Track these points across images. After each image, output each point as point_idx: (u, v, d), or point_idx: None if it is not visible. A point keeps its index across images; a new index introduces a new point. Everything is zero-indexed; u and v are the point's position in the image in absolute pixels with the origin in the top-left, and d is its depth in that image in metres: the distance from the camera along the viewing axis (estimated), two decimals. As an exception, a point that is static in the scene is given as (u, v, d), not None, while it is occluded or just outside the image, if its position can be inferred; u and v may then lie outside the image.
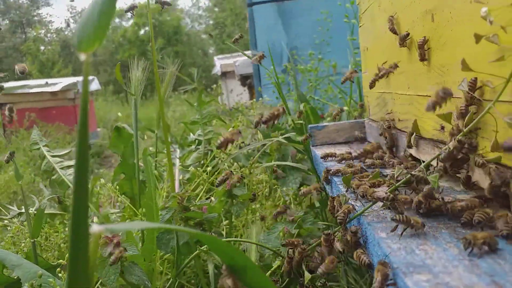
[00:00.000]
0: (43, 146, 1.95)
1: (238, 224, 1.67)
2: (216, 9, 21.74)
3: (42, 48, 17.72)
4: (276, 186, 1.66)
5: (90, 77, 5.16)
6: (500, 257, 0.54)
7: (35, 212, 1.70)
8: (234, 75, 6.31)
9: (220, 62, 8.41)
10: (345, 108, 1.71)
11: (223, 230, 1.61)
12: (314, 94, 2.62)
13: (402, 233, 0.63)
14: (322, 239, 0.74)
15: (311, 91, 2.62)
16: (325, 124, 1.57)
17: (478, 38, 0.54)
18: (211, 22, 23.26)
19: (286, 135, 1.54)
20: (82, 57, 0.37)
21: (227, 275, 0.50)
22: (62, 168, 1.88)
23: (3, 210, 1.88)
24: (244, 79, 5.45)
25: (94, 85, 8.06)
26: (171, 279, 0.96)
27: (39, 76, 13.88)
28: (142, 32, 19.52)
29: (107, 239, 1.06)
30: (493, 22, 0.51)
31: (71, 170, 1.90)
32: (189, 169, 1.86)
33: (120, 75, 1.34)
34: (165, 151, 2.27)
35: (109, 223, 1.66)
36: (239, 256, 0.48)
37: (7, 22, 19.31)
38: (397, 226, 0.64)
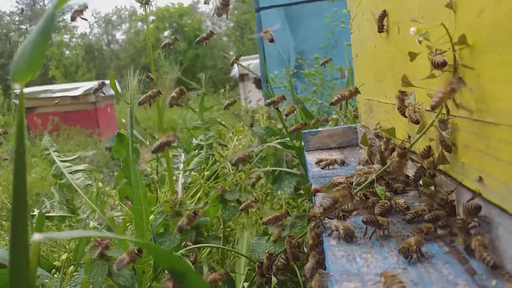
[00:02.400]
0: (53, 151, 2.03)
1: (236, 227, 1.71)
2: (236, 12, 21.86)
3: (67, 52, 18.24)
4: (270, 191, 1.70)
5: (107, 81, 5.30)
6: (433, 266, 0.56)
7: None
8: (250, 77, 6.36)
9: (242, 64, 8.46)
10: (334, 115, 1.73)
11: (221, 233, 1.66)
12: (320, 98, 2.65)
13: (371, 236, 0.66)
14: (286, 243, 0.78)
15: (317, 95, 2.64)
16: (318, 129, 1.59)
17: (412, 56, 0.57)
18: (231, 24, 23.41)
19: (279, 140, 1.57)
20: (17, 87, 0.42)
21: (169, 279, 0.54)
22: (70, 173, 1.95)
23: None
24: (258, 82, 5.49)
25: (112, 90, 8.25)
26: (148, 283, 1.00)
27: (63, 80, 14.27)
28: (165, 34, 19.83)
29: (96, 242, 1.11)
30: (422, 41, 0.53)
31: (79, 175, 1.96)
32: (191, 173, 1.91)
33: (114, 85, 1.40)
34: (171, 155, 2.33)
35: (114, 225, 1.72)
36: (179, 262, 0.53)
37: (34, 28, 19.95)
38: (366, 228, 0.67)
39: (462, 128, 0.58)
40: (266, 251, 0.82)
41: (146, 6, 1.58)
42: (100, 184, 1.68)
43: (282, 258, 0.80)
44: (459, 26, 0.56)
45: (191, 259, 1.00)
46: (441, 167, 0.67)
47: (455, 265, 0.55)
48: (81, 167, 1.96)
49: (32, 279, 0.46)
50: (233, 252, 1.48)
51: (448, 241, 0.63)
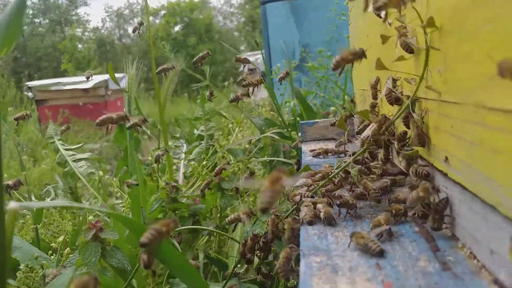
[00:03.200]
0: (58, 140, 2.06)
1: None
2: (247, 7, 21.83)
3: (80, 46, 18.40)
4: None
5: (121, 75, 5.34)
6: (400, 244, 0.57)
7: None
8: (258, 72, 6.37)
9: (255, 58, 8.50)
10: (332, 108, 1.74)
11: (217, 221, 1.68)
12: (323, 92, 2.65)
13: (345, 216, 0.68)
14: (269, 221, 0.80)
15: (321, 89, 2.65)
16: (315, 120, 1.60)
17: (384, 39, 0.58)
18: (242, 19, 23.38)
19: (276, 131, 1.58)
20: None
21: (144, 251, 0.56)
22: (74, 161, 1.98)
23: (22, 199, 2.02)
24: (265, 76, 5.51)
25: (124, 83, 8.36)
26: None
27: (75, 73, 14.41)
28: (176, 29, 19.89)
29: (90, 225, 1.15)
30: (392, 24, 0.55)
31: (82, 163, 1.99)
32: (191, 163, 1.94)
33: (113, 74, 1.43)
34: (174, 146, 2.36)
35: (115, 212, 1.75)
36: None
37: (47, 21, 20.17)
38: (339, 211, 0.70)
39: (432, 110, 0.60)
40: (252, 232, 0.84)
41: (147, -3, 1.60)
42: (101, 173, 1.72)
43: (263, 238, 0.82)
44: (430, 9, 0.57)
45: (177, 240, 1.02)
46: (419, 150, 0.68)
47: (421, 243, 0.57)
48: (85, 155, 1.99)
49: (7, 247, 0.49)
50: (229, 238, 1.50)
51: (419, 222, 0.64)
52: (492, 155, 0.42)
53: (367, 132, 0.64)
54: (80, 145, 2.13)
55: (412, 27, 0.58)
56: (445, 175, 0.56)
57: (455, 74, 0.50)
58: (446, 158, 0.55)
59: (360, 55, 0.75)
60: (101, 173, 1.65)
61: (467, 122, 0.48)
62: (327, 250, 0.57)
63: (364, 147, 0.68)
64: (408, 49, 0.54)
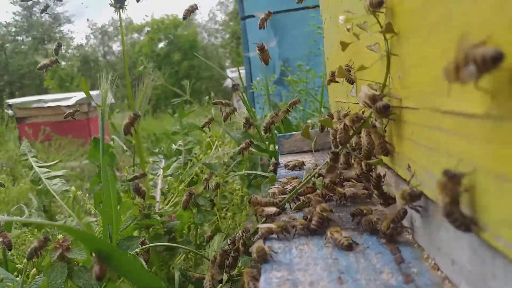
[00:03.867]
0: (32, 157, 2.01)
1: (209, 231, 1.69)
2: (232, 23, 22.03)
3: (63, 63, 18.26)
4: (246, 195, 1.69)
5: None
6: (365, 256, 0.55)
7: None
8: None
9: (232, 75, 8.56)
10: (309, 120, 1.73)
11: (194, 238, 1.64)
12: (303, 105, 2.65)
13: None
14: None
15: (301, 102, 2.64)
16: (292, 133, 1.59)
17: (344, 46, 0.57)
18: (227, 35, 23.57)
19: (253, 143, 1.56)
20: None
21: (96, 262, 0.53)
22: (48, 178, 1.92)
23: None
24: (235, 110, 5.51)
25: (108, 99, 8.29)
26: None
27: (58, 90, 14.28)
28: (160, 45, 19.91)
29: (57, 244, 1.10)
30: (350, 29, 0.53)
31: (56, 180, 1.94)
32: (167, 178, 1.90)
33: (86, 89, 1.40)
34: (151, 161, 2.32)
35: (91, 230, 1.71)
36: (104, 245, 0.52)
37: (30, 39, 20.01)
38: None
39: (395, 117, 0.58)
40: (221, 247, 0.81)
41: (121, 10, 1.59)
42: (73, 188, 1.67)
43: (232, 254, 0.79)
44: (388, 15, 0.56)
45: (144, 258, 0.98)
46: (384, 159, 0.67)
47: (386, 255, 0.55)
48: (59, 172, 1.94)
49: None
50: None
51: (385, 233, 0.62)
52: (447, 159, 0.40)
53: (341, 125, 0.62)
54: (54, 162, 2.08)
55: (372, 34, 0.57)
56: (409, 183, 0.55)
57: (413, 79, 0.49)
58: (409, 166, 0.54)
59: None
60: (73, 188, 1.61)
61: (425, 127, 0.46)
62: (289, 264, 0.55)
63: (328, 159, 0.66)
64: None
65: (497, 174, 0.31)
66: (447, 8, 0.39)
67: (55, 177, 1.94)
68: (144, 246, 1.02)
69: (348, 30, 0.54)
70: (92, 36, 24.17)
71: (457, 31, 0.37)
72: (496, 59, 0.27)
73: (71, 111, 1.44)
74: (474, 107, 0.34)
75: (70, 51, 20.86)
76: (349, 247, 0.56)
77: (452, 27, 0.38)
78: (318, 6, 1.60)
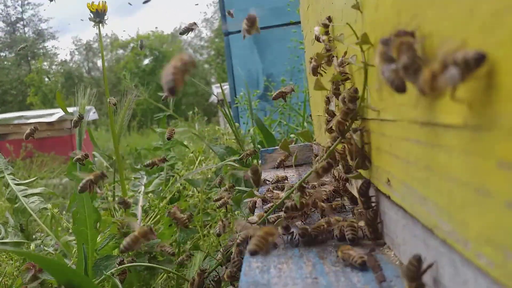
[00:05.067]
0: (8, 174, 1.95)
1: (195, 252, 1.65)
2: (217, 40, 22.16)
3: (47, 79, 18.08)
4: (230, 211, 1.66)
5: (88, 107, 5.24)
6: (346, 275, 0.53)
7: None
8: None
9: (217, 91, 8.57)
10: (292, 135, 1.72)
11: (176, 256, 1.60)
12: (287, 120, 2.64)
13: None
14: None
15: (285, 117, 2.64)
16: (275, 147, 1.57)
17: (320, 57, 0.55)
18: (212, 52, 23.68)
19: (236, 158, 1.54)
20: None
21: None
22: (25, 196, 1.87)
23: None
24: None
25: (92, 115, 8.22)
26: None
27: (41, 107, 14.09)
28: (145, 62, 19.89)
29: (29, 265, 1.05)
30: (325, 41, 0.52)
31: (34, 198, 1.88)
32: (148, 195, 1.86)
33: (62, 102, 1.37)
34: (133, 178, 2.27)
35: (69, 249, 1.65)
36: (73, 274, 0.48)
37: (13, 55, 19.79)
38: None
39: (373, 130, 0.57)
40: (198, 268, 0.78)
41: (100, 25, 1.56)
42: (49, 205, 1.62)
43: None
44: (365, 26, 0.55)
45: (120, 278, 0.94)
46: (363, 173, 0.65)
47: (367, 273, 0.53)
48: (37, 190, 1.89)
49: None
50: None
51: (368, 250, 0.60)
52: (426, 173, 0.39)
53: (332, 122, 0.60)
54: (32, 179, 2.02)
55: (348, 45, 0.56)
56: (389, 198, 0.53)
57: (390, 91, 0.48)
58: (388, 180, 0.52)
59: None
60: (49, 206, 1.56)
61: (403, 139, 0.45)
62: (266, 285, 0.52)
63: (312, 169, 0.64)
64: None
65: (477, 188, 0.29)
66: (419, 16, 0.38)
67: (32, 194, 1.88)
68: (120, 267, 0.97)
69: (322, 41, 0.53)
70: (76, 52, 24.04)
71: (429, 38, 0.35)
72: (479, 60, 0.26)
73: (28, 131, 1.40)
74: (452, 117, 0.32)
75: (54, 67, 20.69)
76: (363, 265, 0.52)
77: (425, 32, 0.37)
78: (299, 22, 1.61)
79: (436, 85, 0.30)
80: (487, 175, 0.28)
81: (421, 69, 0.32)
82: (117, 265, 1.11)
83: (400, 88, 0.36)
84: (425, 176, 0.39)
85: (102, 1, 1.60)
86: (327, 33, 0.64)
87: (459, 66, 0.27)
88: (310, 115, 1.87)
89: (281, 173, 1.38)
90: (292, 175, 1.38)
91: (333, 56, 0.59)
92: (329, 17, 0.62)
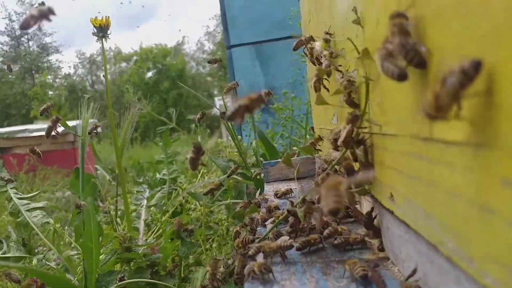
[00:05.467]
0: (11, 188, 1.95)
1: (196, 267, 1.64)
2: (219, 53, 22.32)
3: (50, 93, 18.20)
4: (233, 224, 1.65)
5: (91, 120, 5.26)
6: (348, 291, 0.52)
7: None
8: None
9: (219, 103, 8.62)
10: (294, 147, 1.72)
11: (178, 271, 1.58)
12: (289, 132, 2.65)
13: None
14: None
15: (287, 129, 2.65)
16: (277, 160, 1.57)
17: (322, 72, 0.55)
18: (215, 65, 23.81)
19: (239, 171, 1.54)
20: None
21: None
22: (28, 210, 1.86)
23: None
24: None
25: (90, 128, 8.27)
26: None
27: (45, 120, 14.16)
28: (149, 74, 20.02)
29: (31, 281, 1.05)
30: (326, 56, 0.52)
31: (37, 212, 1.88)
32: (151, 209, 1.85)
33: (65, 123, 1.37)
34: (135, 191, 2.27)
35: (71, 264, 1.65)
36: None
37: (18, 68, 19.96)
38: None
39: (376, 144, 0.57)
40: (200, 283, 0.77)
41: (103, 39, 1.58)
42: (51, 220, 1.62)
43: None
44: (366, 41, 0.55)
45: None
46: (367, 187, 0.65)
47: (371, 289, 0.52)
48: (40, 204, 1.88)
49: None
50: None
51: (372, 265, 0.59)
52: (429, 189, 0.38)
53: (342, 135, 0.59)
54: (35, 193, 2.02)
55: (350, 59, 0.56)
56: (392, 213, 0.52)
57: (391, 105, 0.48)
58: (391, 195, 0.51)
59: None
60: (51, 220, 1.55)
61: (405, 154, 0.45)
62: (269, 302, 0.52)
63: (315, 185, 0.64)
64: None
65: (481, 205, 0.29)
66: (422, 31, 0.38)
67: (35, 208, 1.88)
68: (120, 283, 0.97)
69: (324, 56, 0.53)
70: (80, 66, 24.24)
71: (432, 54, 0.35)
72: (476, 66, 0.26)
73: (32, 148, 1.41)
74: (454, 134, 0.32)
75: (57, 80, 20.84)
76: (364, 277, 0.51)
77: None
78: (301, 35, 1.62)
79: (441, 104, 0.29)
80: (490, 193, 0.28)
81: (416, 48, 0.33)
82: (117, 281, 1.10)
83: (402, 76, 0.36)
84: (429, 192, 0.38)
85: (106, 16, 1.61)
86: (328, 47, 0.64)
87: (458, 75, 0.27)
88: (312, 128, 1.87)
89: (283, 186, 1.37)
90: (295, 188, 1.38)
91: (338, 70, 0.60)
92: (329, 31, 0.62)
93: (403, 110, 0.44)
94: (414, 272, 0.44)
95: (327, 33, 0.64)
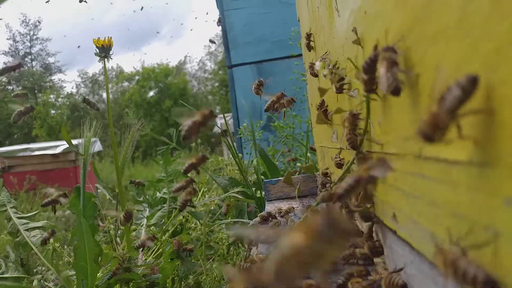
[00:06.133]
0: (10, 208, 1.94)
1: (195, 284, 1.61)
2: (221, 72, 22.52)
3: (53, 112, 18.30)
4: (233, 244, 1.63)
5: (93, 139, 5.27)
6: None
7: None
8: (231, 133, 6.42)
9: (220, 121, 8.63)
10: (298, 164, 1.72)
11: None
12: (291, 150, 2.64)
13: None
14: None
15: (289, 146, 2.65)
16: (278, 178, 1.56)
17: (322, 92, 0.55)
18: (216, 84, 24.01)
19: (239, 190, 1.53)
20: None
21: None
22: (27, 230, 1.85)
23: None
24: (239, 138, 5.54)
25: (96, 147, 8.29)
26: None
27: (46, 139, 14.20)
28: (150, 94, 20.16)
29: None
30: (326, 75, 0.53)
31: (36, 232, 1.87)
32: (150, 229, 1.84)
33: (66, 135, 1.37)
34: (136, 210, 2.25)
35: (70, 285, 1.62)
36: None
37: (20, 88, 20.12)
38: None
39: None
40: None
41: (105, 59, 1.59)
42: (51, 239, 1.60)
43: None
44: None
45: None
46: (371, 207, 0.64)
47: (375, 312, 0.51)
48: (39, 224, 1.87)
49: None
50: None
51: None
52: (432, 209, 0.38)
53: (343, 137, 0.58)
54: (34, 213, 2.01)
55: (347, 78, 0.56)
56: (395, 233, 0.52)
57: (393, 124, 0.48)
58: (394, 215, 0.51)
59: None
60: (51, 239, 1.54)
61: (407, 173, 0.44)
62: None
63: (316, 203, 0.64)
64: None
65: (486, 226, 0.28)
66: (423, 50, 0.38)
67: (34, 228, 1.87)
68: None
69: (324, 76, 0.53)
70: (82, 85, 24.45)
71: (432, 72, 0.35)
72: (473, 81, 0.26)
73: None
74: (457, 153, 0.32)
75: (60, 99, 20.97)
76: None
77: (428, 68, 0.37)
78: (301, 55, 1.64)
79: (438, 123, 0.29)
80: (495, 213, 0.27)
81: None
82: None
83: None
84: (432, 211, 0.38)
85: (108, 37, 1.63)
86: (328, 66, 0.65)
87: (454, 91, 0.27)
88: (311, 147, 1.87)
89: (284, 205, 1.37)
90: (297, 207, 1.37)
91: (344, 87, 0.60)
92: (326, 56, 0.63)
93: (405, 129, 0.44)
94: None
95: (323, 58, 0.64)
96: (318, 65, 0.54)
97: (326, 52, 0.60)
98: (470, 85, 0.27)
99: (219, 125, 9.27)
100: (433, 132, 0.29)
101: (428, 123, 0.29)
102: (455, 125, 0.28)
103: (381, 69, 0.38)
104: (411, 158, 0.43)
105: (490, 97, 0.26)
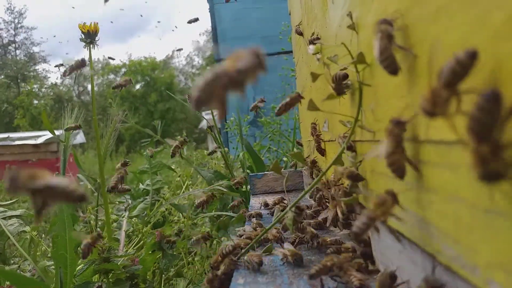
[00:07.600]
0: (-13, 195, 1.89)
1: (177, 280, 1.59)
2: (209, 68, 22.39)
3: (36, 102, 17.93)
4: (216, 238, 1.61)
5: (76, 131, 5.18)
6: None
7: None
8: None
9: (207, 117, 8.62)
10: (285, 158, 1.71)
11: (159, 284, 1.53)
12: (276, 146, 2.63)
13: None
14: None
15: (274, 143, 2.63)
16: (264, 172, 1.55)
17: (314, 77, 0.54)
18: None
19: (224, 183, 1.51)
20: None
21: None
22: (3, 218, 1.80)
23: None
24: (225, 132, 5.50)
25: (79, 138, 8.15)
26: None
27: (28, 129, 13.92)
28: (137, 87, 19.91)
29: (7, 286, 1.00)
30: (320, 59, 0.51)
31: (13, 221, 1.82)
32: (133, 220, 1.80)
33: (47, 121, 1.33)
34: (117, 202, 2.21)
35: (47, 275, 1.58)
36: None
37: (3, 77, 19.68)
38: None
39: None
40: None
41: (91, 46, 1.55)
42: (28, 228, 1.56)
43: None
44: (360, 47, 0.54)
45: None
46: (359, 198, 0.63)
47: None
48: (17, 212, 1.82)
49: None
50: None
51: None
52: (427, 194, 0.36)
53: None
54: (12, 201, 1.96)
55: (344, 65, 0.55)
56: (383, 222, 0.50)
57: (386, 111, 0.46)
58: (384, 204, 0.49)
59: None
60: (28, 228, 1.50)
61: (401, 160, 0.43)
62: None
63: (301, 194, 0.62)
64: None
65: (487, 209, 0.27)
66: (419, 34, 0.37)
67: (11, 217, 1.82)
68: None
69: (318, 60, 0.52)
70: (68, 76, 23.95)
71: (424, 58, 0.34)
72: (472, 56, 0.25)
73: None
74: (457, 133, 0.30)
75: (43, 90, 20.58)
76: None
77: (424, 53, 0.35)
78: (291, 51, 1.62)
79: (438, 98, 0.28)
80: (497, 194, 0.26)
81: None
82: (95, 292, 1.05)
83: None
84: (426, 197, 0.36)
85: (94, 23, 1.59)
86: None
87: (453, 66, 0.26)
88: (298, 141, 1.86)
89: (270, 199, 1.35)
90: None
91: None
92: (317, 36, 0.61)
93: (399, 115, 0.43)
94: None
95: (315, 38, 0.63)
96: (311, 48, 0.52)
97: (314, 33, 0.58)
98: (469, 60, 0.25)
99: (205, 120, 9.25)
100: (433, 107, 0.27)
101: (428, 99, 0.28)
102: (454, 99, 0.27)
103: (375, 41, 0.36)
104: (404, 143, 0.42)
105: (498, 70, 0.25)
